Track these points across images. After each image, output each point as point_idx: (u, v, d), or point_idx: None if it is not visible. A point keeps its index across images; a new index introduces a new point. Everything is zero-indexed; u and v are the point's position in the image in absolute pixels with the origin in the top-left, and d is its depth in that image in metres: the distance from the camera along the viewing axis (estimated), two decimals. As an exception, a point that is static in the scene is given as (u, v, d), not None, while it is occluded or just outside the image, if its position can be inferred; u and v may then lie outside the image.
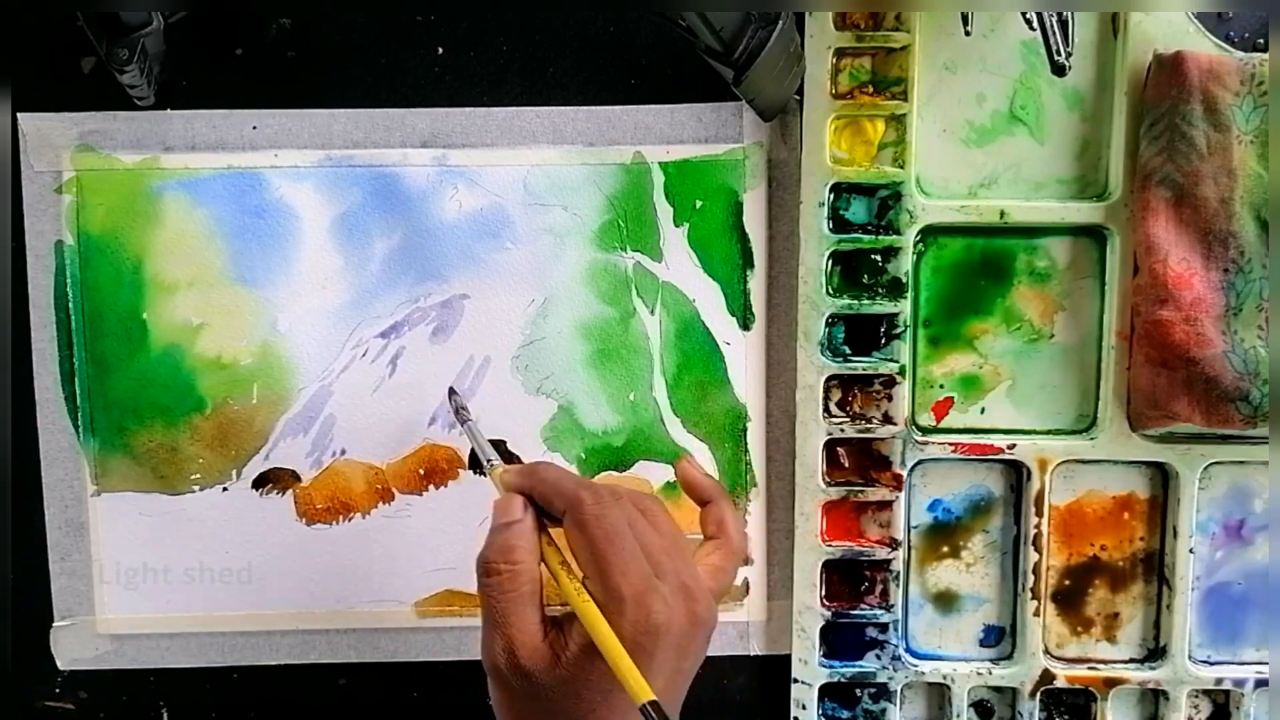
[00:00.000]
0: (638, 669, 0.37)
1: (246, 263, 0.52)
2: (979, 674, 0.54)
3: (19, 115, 0.50)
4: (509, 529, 0.42)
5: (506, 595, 0.40)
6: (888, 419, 0.52)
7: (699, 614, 0.40)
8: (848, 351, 0.52)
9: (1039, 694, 0.53)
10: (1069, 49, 0.46)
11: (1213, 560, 0.54)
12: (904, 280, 0.51)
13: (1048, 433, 0.53)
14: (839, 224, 0.52)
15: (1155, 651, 0.54)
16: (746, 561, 0.53)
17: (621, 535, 0.40)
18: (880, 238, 0.51)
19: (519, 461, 0.53)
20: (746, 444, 0.53)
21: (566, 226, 0.52)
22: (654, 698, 0.37)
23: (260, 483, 0.53)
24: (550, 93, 0.51)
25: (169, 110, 0.51)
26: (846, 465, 0.53)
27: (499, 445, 0.53)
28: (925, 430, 0.53)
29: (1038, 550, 0.53)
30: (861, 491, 0.52)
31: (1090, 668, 0.54)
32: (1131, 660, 0.54)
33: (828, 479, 0.53)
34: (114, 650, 0.54)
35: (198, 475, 0.53)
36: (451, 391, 0.52)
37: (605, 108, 0.51)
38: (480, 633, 0.41)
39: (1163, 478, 0.53)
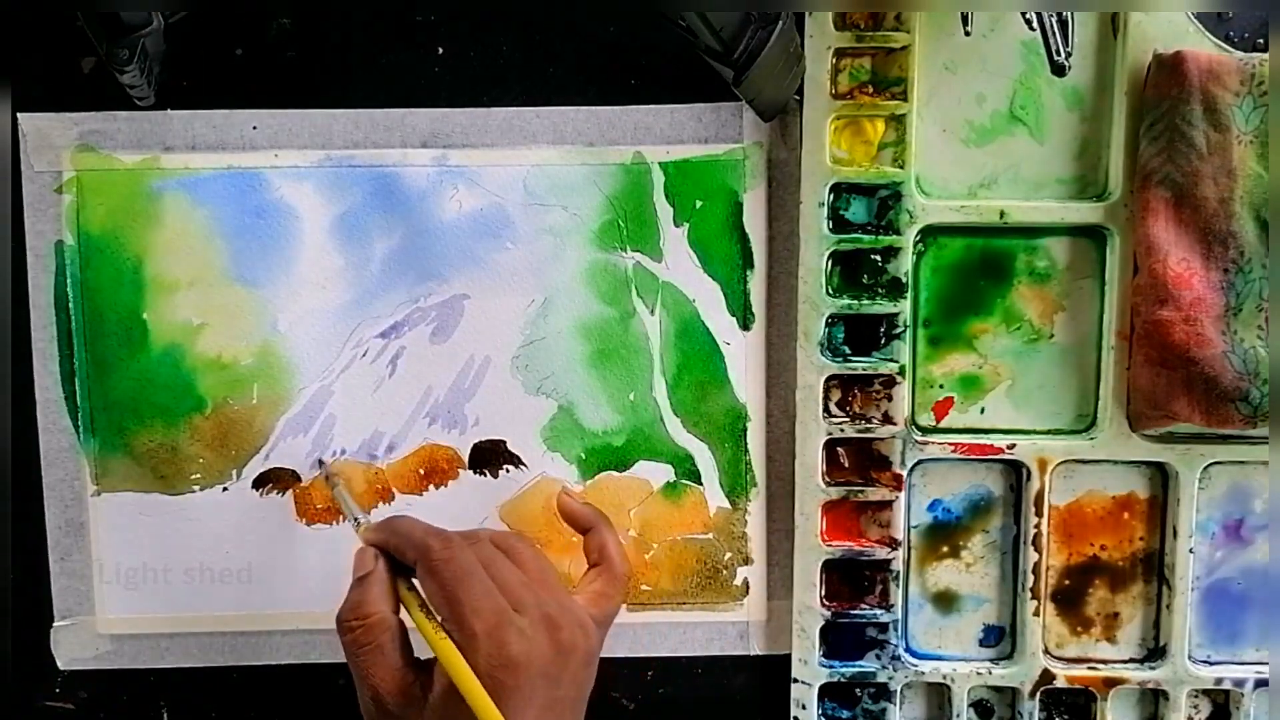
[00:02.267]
0: (496, 703, 0.39)
1: (246, 263, 0.52)
2: (979, 674, 0.54)
3: (19, 115, 0.50)
4: (360, 584, 0.44)
5: (363, 649, 0.42)
6: (888, 419, 0.52)
7: (563, 641, 0.42)
8: (848, 351, 0.52)
9: (1039, 694, 0.53)
10: (1069, 49, 0.46)
11: (1212, 560, 0.54)
12: (904, 280, 0.51)
13: (1047, 433, 0.53)
14: (839, 224, 0.52)
15: (1155, 651, 0.54)
16: (747, 561, 0.53)
17: (470, 575, 0.41)
18: (880, 238, 0.51)
19: (521, 462, 0.53)
20: (746, 444, 0.53)
21: (566, 226, 0.52)
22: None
23: (260, 483, 0.53)
24: (550, 93, 0.51)
25: (169, 110, 0.51)
26: (846, 465, 0.53)
27: (500, 445, 0.53)
28: (925, 430, 0.53)
29: (1037, 550, 0.53)
30: (861, 491, 0.52)
31: (1090, 668, 0.54)
32: (1131, 660, 0.54)
33: (828, 479, 0.53)
34: (114, 650, 0.54)
35: (198, 475, 0.53)
36: (320, 462, 0.53)
37: (605, 108, 0.51)
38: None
39: (1163, 478, 0.53)
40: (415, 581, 0.44)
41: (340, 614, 0.43)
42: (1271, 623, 0.52)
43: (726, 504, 0.53)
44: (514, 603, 0.42)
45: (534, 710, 0.40)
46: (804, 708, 0.53)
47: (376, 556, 0.44)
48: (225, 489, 0.53)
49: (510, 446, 0.53)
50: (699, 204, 0.52)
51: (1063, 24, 0.46)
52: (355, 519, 0.48)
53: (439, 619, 0.42)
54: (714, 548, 0.54)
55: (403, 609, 0.44)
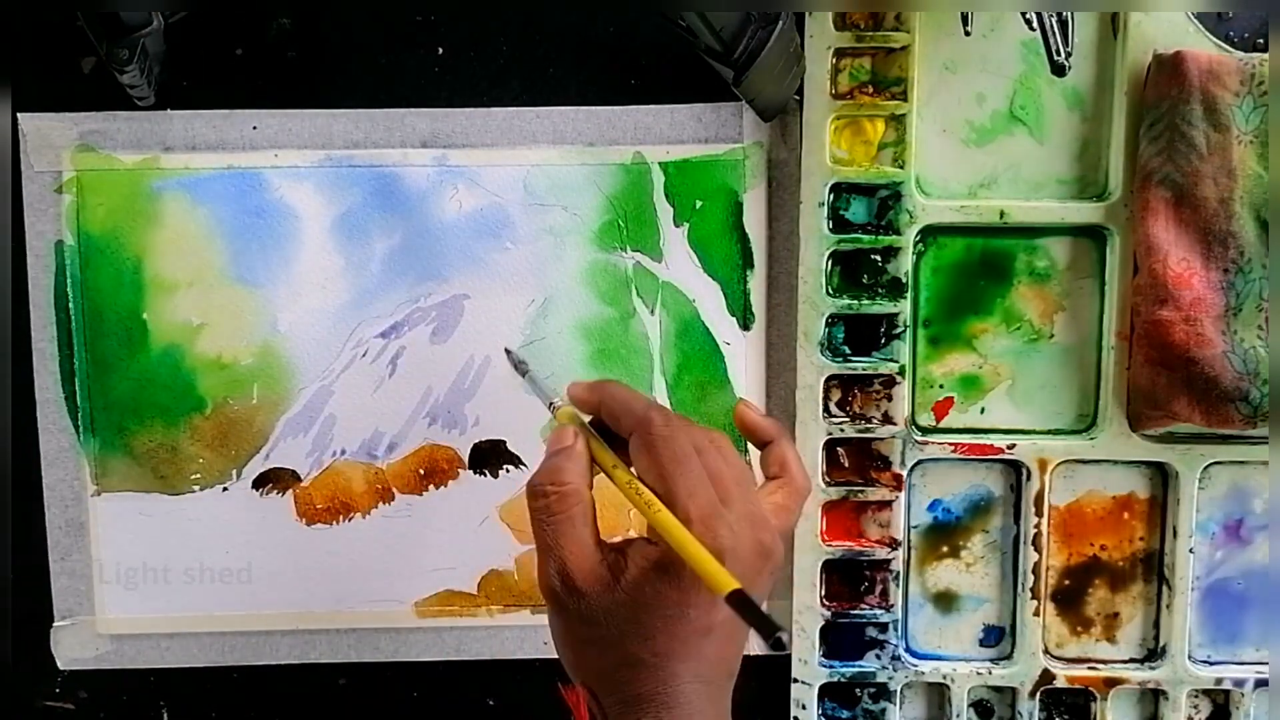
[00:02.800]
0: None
1: (246, 263, 0.52)
2: (979, 674, 0.54)
3: (19, 115, 0.50)
4: (558, 454, 0.41)
5: (555, 518, 0.40)
6: (888, 419, 0.52)
7: (765, 543, 0.40)
8: (848, 351, 0.52)
9: (1039, 694, 0.53)
10: (1069, 49, 0.46)
11: (1212, 560, 0.54)
12: (904, 280, 0.51)
13: (1048, 433, 0.53)
14: (839, 224, 0.52)
15: (1155, 651, 0.54)
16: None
17: (689, 458, 0.40)
18: (880, 238, 0.51)
19: (521, 462, 0.53)
20: (747, 444, 0.53)
21: (566, 226, 0.52)
22: (738, 586, 0.36)
23: (260, 483, 0.53)
24: (550, 93, 0.51)
25: (169, 110, 0.51)
26: (846, 465, 0.53)
27: (500, 445, 0.53)
28: (925, 430, 0.53)
29: (1037, 550, 0.53)
30: (861, 491, 0.52)
31: (1090, 668, 0.54)
32: (1131, 660, 0.54)
33: (828, 479, 0.53)
34: (114, 650, 0.54)
35: (198, 475, 0.53)
36: (508, 351, 0.51)
37: (605, 108, 0.51)
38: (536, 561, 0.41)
39: (1163, 478, 0.53)
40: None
41: (534, 480, 0.41)
42: (1271, 623, 0.52)
43: (726, 504, 0.53)
44: (722, 495, 0.39)
45: (727, 610, 0.37)
46: (804, 708, 0.53)
47: (576, 434, 0.42)
48: (225, 489, 0.53)
49: (510, 446, 0.53)
50: (699, 204, 0.52)
51: (1063, 24, 0.46)
52: (551, 402, 0.46)
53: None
54: (714, 548, 0.53)
55: (605, 478, 0.42)
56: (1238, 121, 0.48)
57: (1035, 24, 0.46)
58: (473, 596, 0.53)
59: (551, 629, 0.41)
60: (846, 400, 0.53)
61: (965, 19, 0.47)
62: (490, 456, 0.53)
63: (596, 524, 0.41)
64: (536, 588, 0.41)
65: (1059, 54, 0.46)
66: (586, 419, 0.44)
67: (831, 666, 0.53)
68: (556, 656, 0.42)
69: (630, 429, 0.41)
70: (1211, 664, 0.54)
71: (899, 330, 0.52)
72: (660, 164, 0.52)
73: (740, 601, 0.36)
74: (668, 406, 0.42)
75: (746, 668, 0.54)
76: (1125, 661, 0.54)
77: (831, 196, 0.51)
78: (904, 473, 0.52)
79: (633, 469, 0.41)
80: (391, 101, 0.51)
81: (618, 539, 0.41)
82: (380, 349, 0.52)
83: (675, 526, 0.38)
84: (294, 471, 0.53)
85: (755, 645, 0.54)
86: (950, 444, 0.52)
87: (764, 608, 0.39)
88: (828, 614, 0.53)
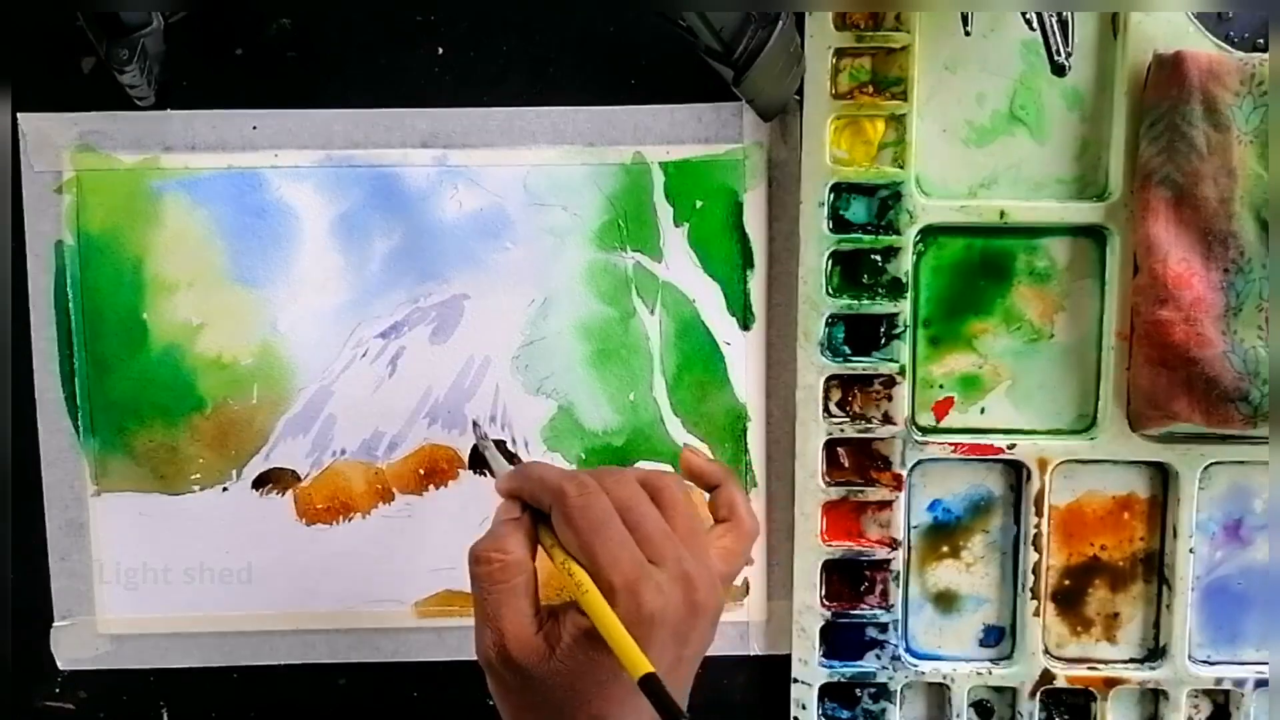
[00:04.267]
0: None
1: (246, 263, 0.52)
2: (979, 674, 0.54)
3: (19, 115, 0.50)
4: (504, 524, 0.42)
5: (496, 586, 0.40)
6: (888, 419, 0.52)
7: (698, 602, 0.40)
8: (848, 351, 0.52)
9: (1039, 694, 0.53)
10: (1069, 49, 0.46)
11: (1212, 560, 0.54)
12: (904, 280, 0.51)
13: (1047, 433, 0.53)
14: (839, 224, 0.52)
15: (1155, 651, 0.54)
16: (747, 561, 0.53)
17: (606, 524, 0.39)
18: (880, 238, 0.51)
19: (519, 461, 0.53)
20: (746, 444, 0.53)
21: (566, 226, 0.52)
22: (652, 670, 0.36)
23: (260, 483, 0.53)
24: (550, 93, 0.51)
25: (169, 110, 0.51)
26: (846, 465, 0.53)
27: (499, 445, 0.53)
28: (925, 430, 0.53)
29: (1038, 550, 0.53)
30: (861, 491, 0.52)
31: (1090, 668, 0.54)
32: (1131, 660, 0.54)
33: (828, 479, 0.53)
34: (114, 650, 0.54)
35: (198, 475, 0.53)
36: (475, 424, 0.52)
37: (605, 108, 0.51)
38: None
39: (1163, 478, 0.53)
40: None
41: (478, 547, 0.41)
42: (1271, 623, 0.52)
43: (726, 504, 0.53)
44: (652, 555, 0.39)
45: (663, 667, 0.38)
46: (804, 708, 0.53)
47: (523, 507, 0.42)
48: (225, 489, 0.53)
49: (510, 446, 0.53)
50: (699, 204, 0.52)
51: (1063, 24, 0.46)
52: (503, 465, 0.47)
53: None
54: (714, 548, 0.54)
55: (541, 555, 0.42)
56: (1238, 122, 0.48)
57: (1035, 24, 0.46)
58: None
59: (493, 695, 0.41)
60: (846, 400, 0.53)
61: (965, 19, 0.47)
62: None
63: (538, 595, 0.41)
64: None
65: (1059, 54, 0.46)
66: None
67: (831, 666, 0.53)
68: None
69: (549, 505, 0.41)
70: (1211, 664, 0.54)
71: (899, 330, 0.52)
72: (660, 164, 0.52)
73: (650, 687, 0.36)
74: (582, 474, 0.42)
75: (747, 667, 0.55)
76: (1125, 661, 0.54)
77: (831, 196, 0.51)
78: (904, 473, 0.52)
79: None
80: (391, 101, 0.51)
81: (556, 603, 0.41)
82: (380, 349, 0.52)
83: (597, 606, 0.38)
84: (294, 471, 0.53)
85: (756, 645, 0.54)
86: (950, 444, 0.52)
87: (697, 662, 0.41)
88: (828, 614, 0.53)
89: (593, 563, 0.39)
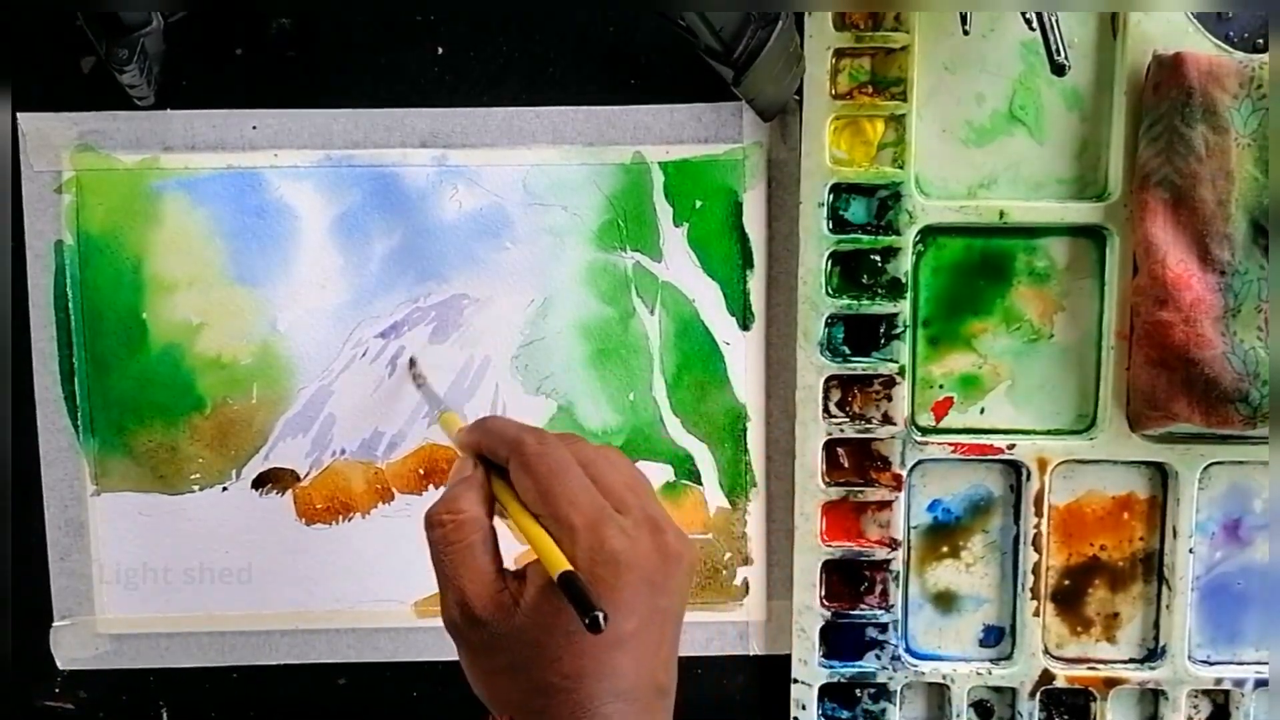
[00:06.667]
0: (600, 600, 0.35)
1: (246, 262, 0.52)
2: (979, 674, 0.54)
3: (19, 115, 0.50)
4: (457, 485, 0.41)
5: (453, 546, 0.39)
6: (887, 419, 0.52)
7: (668, 545, 0.38)
8: (847, 351, 0.52)
9: (1039, 694, 0.53)
10: (1069, 48, 0.46)
11: (1212, 560, 0.54)
12: (903, 280, 0.51)
13: (1047, 433, 0.53)
14: (839, 224, 0.52)
15: (1155, 651, 0.54)
16: (747, 561, 0.54)
17: (566, 469, 0.39)
18: (880, 238, 0.51)
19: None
20: (746, 444, 0.53)
21: (566, 226, 0.52)
22: (570, 569, 0.36)
23: (260, 483, 0.53)
24: (550, 93, 0.51)
25: (169, 110, 0.51)
26: (846, 465, 0.53)
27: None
28: (925, 430, 0.53)
29: (1037, 550, 0.53)
30: (861, 491, 0.52)
31: (1090, 668, 0.54)
32: (1131, 660, 0.54)
33: (827, 479, 0.53)
34: (114, 650, 0.54)
35: (197, 475, 0.53)
36: (412, 361, 0.52)
37: (605, 108, 0.51)
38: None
39: (1162, 478, 0.53)
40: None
41: (431, 511, 0.40)
42: (1271, 623, 0.52)
43: (726, 504, 0.53)
44: (615, 503, 0.39)
45: (636, 619, 0.37)
46: (804, 708, 0.53)
47: (476, 464, 0.41)
48: (225, 489, 0.53)
49: (510, 446, 0.53)
50: (699, 204, 0.52)
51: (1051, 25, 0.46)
52: (435, 408, 0.46)
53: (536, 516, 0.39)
54: (714, 548, 0.54)
55: (498, 513, 0.41)
56: (1236, 124, 0.48)
57: (1035, 24, 0.46)
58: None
59: (461, 664, 0.40)
60: (846, 400, 0.53)
61: (964, 19, 0.47)
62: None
63: (498, 552, 0.40)
64: None
65: (1059, 54, 0.46)
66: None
67: (831, 667, 0.53)
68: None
69: (507, 456, 0.40)
70: (1211, 664, 0.54)
71: (899, 330, 0.52)
72: (660, 164, 0.52)
73: (567, 582, 0.35)
74: (541, 429, 0.41)
75: (747, 667, 0.55)
76: (1125, 661, 0.54)
77: (831, 196, 0.51)
78: (904, 473, 0.52)
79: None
80: (391, 101, 0.51)
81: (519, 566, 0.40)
82: (380, 349, 0.52)
83: (523, 518, 0.38)
84: (294, 471, 0.53)
85: (756, 645, 0.54)
86: (950, 444, 0.52)
87: (680, 623, 0.40)
88: (828, 614, 0.53)
89: (552, 506, 0.38)
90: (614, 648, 0.37)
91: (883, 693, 0.54)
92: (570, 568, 0.36)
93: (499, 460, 0.41)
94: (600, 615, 0.34)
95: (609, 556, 0.37)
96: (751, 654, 0.54)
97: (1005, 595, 0.54)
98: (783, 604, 0.54)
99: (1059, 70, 0.46)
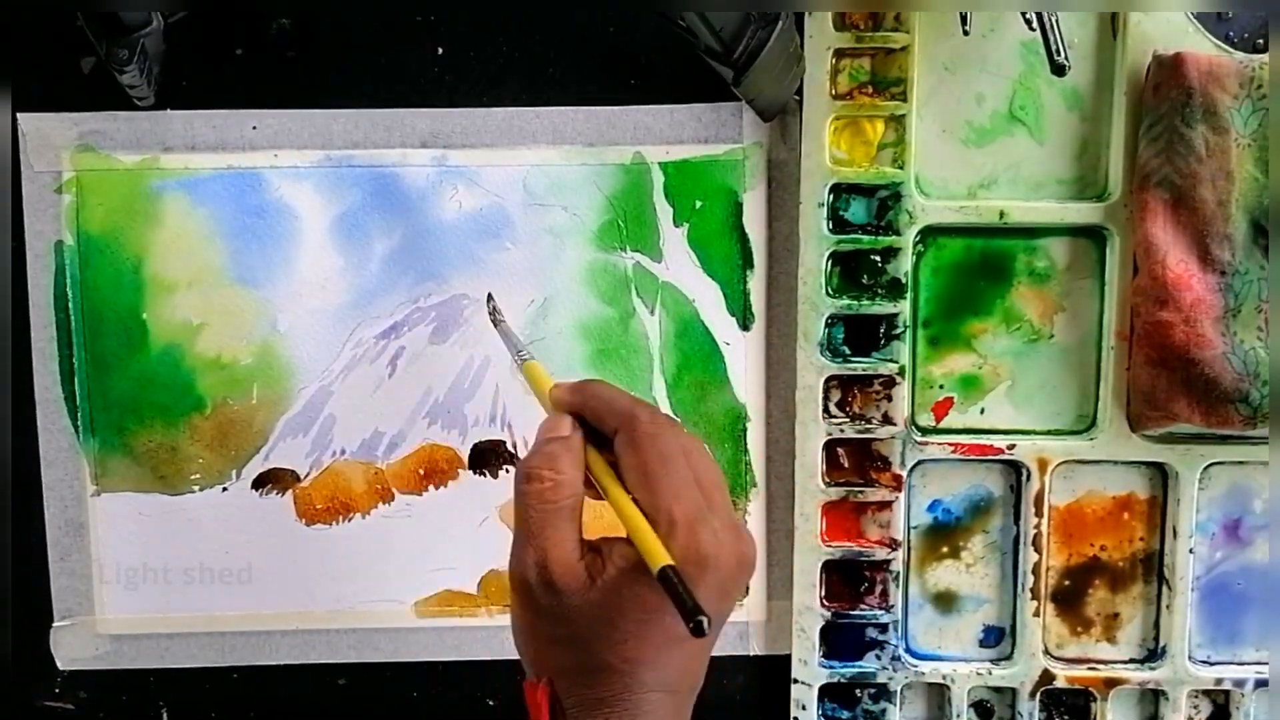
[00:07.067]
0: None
1: (246, 263, 0.52)
2: (979, 674, 0.54)
3: (19, 115, 0.50)
4: (554, 443, 0.39)
5: (545, 506, 0.38)
6: (887, 419, 0.52)
7: (746, 555, 0.38)
8: (847, 352, 0.52)
9: (1039, 694, 0.53)
10: (1068, 48, 0.46)
11: (1212, 560, 0.54)
12: (903, 280, 0.51)
13: (1047, 433, 0.53)
14: (838, 224, 0.52)
15: (1155, 652, 0.54)
16: None
17: (675, 457, 0.38)
18: (880, 238, 0.51)
19: (519, 461, 0.53)
20: (746, 444, 0.53)
21: (566, 226, 0.52)
22: (672, 563, 0.35)
23: (260, 483, 0.53)
24: (550, 93, 0.51)
25: (169, 110, 0.51)
26: (846, 465, 0.53)
27: (500, 445, 0.53)
28: (925, 430, 0.53)
29: (1037, 550, 0.53)
30: (861, 492, 0.52)
31: (1090, 668, 0.54)
32: (1131, 660, 0.54)
33: (827, 479, 0.53)
34: (114, 650, 0.54)
35: (198, 475, 0.53)
36: (490, 296, 0.51)
37: (605, 108, 0.51)
38: (511, 546, 0.39)
39: (1162, 478, 0.53)
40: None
41: (529, 462, 0.39)
42: (1271, 623, 0.52)
43: (726, 504, 0.53)
44: (708, 501, 0.38)
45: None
46: (804, 708, 0.53)
47: (575, 426, 0.40)
48: (225, 489, 0.53)
49: (510, 447, 0.53)
50: (699, 204, 0.52)
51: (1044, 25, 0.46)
52: (518, 352, 0.45)
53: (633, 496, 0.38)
54: (714, 548, 0.54)
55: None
56: (1236, 125, 0.48)
57: (1035, 24, 0.46)
58: (473, 596, 0.53)
59: (514, 621, 0.40)
60: (846, 400, 0.53)
61: (964, 19, 0.47)
62: (490, 456, 0.53)
63: (581, 521, 0.39)
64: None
65: (1059, 54, 0.46)
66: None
67: (831, 667, 0.53)
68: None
69: (615, 427, 0.39)
70: (1211, 664, 0.54)
71: (899, 330, 0.52)
72: (660, 164, 0.52)
73: (668, 579, 0.35)
74: (655, 405, 0.40)
75: (747, 668, 0.55)
76: (1125, 662, 0.54)
77: (831, 197, 0.51)
78: (904, 473, 0.52)
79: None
80: (391, 101, 0.51)
81: (595, 538, 0.39)
82: (380, 349, 0.52)
83: (623, 499, 0.37)
84: (294, 471, 0.53)
85: (756, 646, 0.54)
86: (950, 444, 0.52)
87: (723, 625, 0.39)
88: (828, 614, 0.53)
89: (655, 491, 0.37)
90: (675, 643, 0.37)
91: (883, 693, 0.54)
92: (673, 563, 0.35)
93: (604, 429, 0.40)
94: (705, 620, 0.34)
95: (700, 557, 0.36)
96: (752, 654, 0.54)
97: (1005, 595, 0.54)
98: (783, 604, 0.54)
99: (1059, 70, 0.46)
